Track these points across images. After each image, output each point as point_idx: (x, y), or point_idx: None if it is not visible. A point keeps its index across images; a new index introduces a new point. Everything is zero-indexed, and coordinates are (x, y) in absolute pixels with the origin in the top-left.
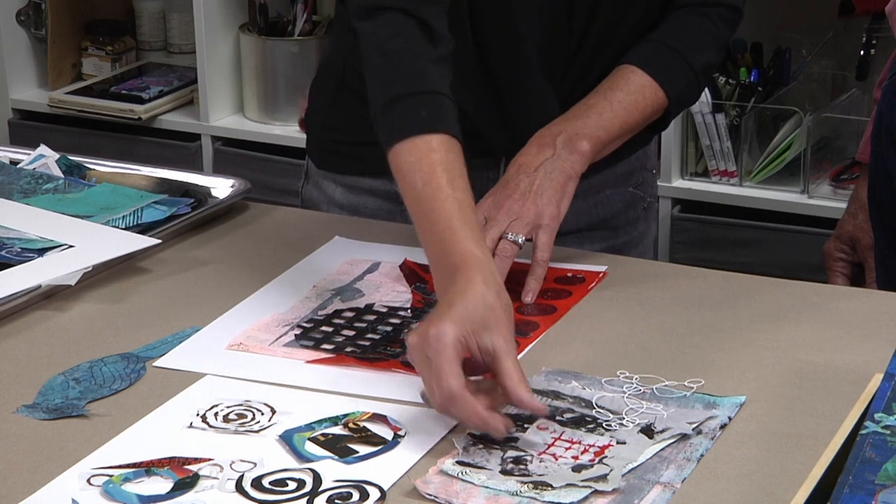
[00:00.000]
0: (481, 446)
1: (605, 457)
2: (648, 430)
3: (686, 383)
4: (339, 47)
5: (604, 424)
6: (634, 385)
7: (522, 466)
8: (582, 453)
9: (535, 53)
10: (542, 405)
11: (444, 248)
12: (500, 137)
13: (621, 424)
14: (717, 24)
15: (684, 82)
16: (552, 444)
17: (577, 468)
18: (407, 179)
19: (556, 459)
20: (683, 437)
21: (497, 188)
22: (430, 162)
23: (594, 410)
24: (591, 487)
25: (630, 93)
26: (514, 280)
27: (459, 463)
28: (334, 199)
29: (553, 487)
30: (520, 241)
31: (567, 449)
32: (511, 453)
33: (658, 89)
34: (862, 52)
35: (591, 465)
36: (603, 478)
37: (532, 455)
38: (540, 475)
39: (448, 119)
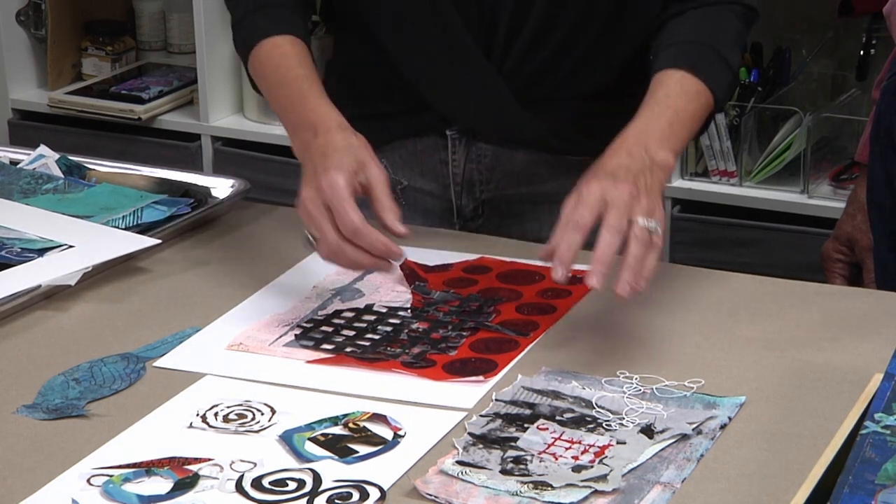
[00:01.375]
0: (481, 446)
1: (605, 457)
2: (648, 430)
3: (686, 383)
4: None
5: (604, 424)
6: (634, 385)
7: (522, 466)
8: (582, 453)
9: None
10: (402, 229)
11: (299, 112)
12: (444, 104)
13: (621, 424)
14: (742, 22)
15: (727, 83)
16: (552, 444)
17: (577, 468)
18: (262, 71)
19: (556, 459)
20: (683, 437)
21: (599, 172)
22: (279, 53)
23: (594, 410)
24: (591, 487)
25: (692, 100)
26: (515, 280)
27: (459, 463)
28: None
29: (553, 487)
30: (652, 227)
31: (567, 449)
32: (511, 453)
33: (710, 95)
34: (862, 52)
35: (591, 466)
36: (603, 478)
37: (532, 455)
38: (540, 475)
39: (290, 24)
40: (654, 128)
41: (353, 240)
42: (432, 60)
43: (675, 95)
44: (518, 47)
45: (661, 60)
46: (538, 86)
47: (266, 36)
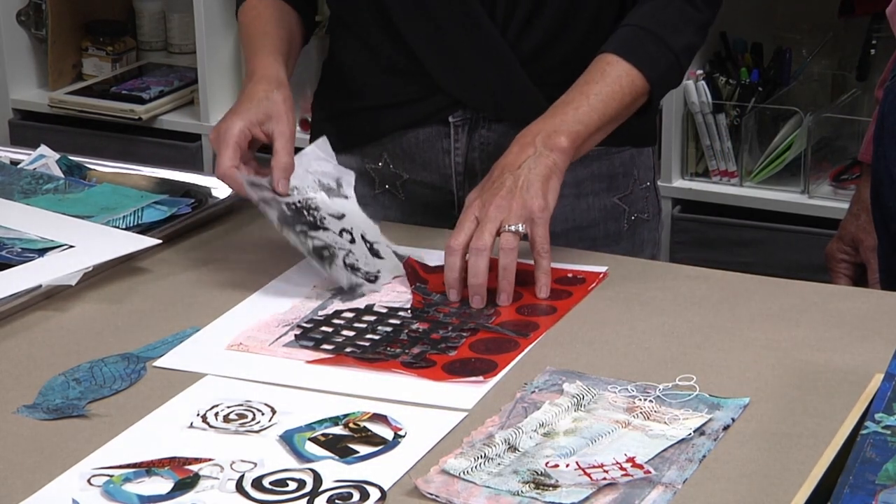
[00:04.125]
0: (483, 446)
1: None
2: (651, 432)
3: (687, 383)
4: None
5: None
6: (636, 386)
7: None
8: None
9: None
10: (283, 187)
11: (249, 64)
12: (452, 80)
13: (626, 426)
14: (695, 5)
15: (665, 65)
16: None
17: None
18: (242, 28)
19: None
20: (685, 437)
21: (482, 189)
22: (253, 15)
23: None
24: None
25: (607, 83)
26: (519, 280)
27: (461, 462)
28: None
29: (555, 487)
30: (520, 229)
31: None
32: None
33: (638, 75)
34: (862, 53)
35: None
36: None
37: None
38: (543, 473)
39: None
40: (559, 112)
41: (223, 182)
42: (443, 36)
43: (592, 80)
44: (524, 18)
45: (601, 46)
46: (547, 59)
47: None
